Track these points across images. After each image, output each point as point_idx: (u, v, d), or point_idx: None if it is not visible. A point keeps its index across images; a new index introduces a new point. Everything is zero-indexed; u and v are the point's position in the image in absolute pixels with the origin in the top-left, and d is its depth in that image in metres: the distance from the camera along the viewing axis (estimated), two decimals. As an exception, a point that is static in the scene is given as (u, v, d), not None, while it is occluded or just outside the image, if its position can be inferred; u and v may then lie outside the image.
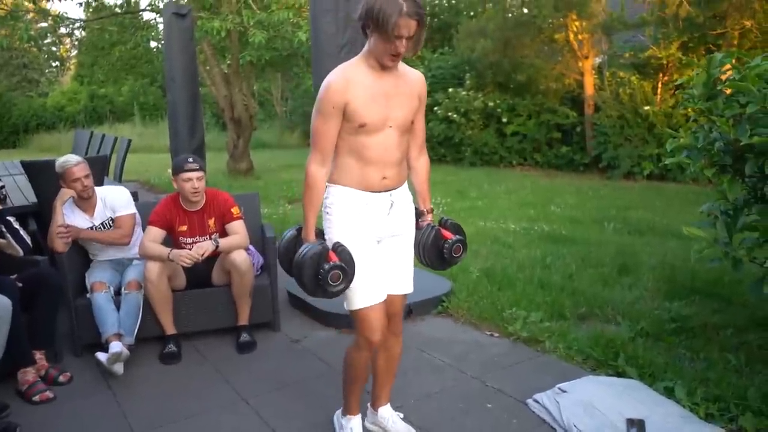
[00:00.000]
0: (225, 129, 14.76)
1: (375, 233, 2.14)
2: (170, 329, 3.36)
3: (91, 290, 3.29)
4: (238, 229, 3.39)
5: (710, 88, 2.12)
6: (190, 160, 3.35)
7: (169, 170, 3.40)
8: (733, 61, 2.13)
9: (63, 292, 3.22)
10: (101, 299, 3.22)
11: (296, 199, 8.24)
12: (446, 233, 2.26)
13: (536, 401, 2.66)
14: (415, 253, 2.29)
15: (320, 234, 2.16)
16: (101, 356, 3.01)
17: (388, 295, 2.19)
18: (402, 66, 2.09)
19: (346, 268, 1.98)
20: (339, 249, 2.02)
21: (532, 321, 3.51)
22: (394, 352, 2.35)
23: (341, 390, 2.39)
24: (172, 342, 3.33)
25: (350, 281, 2.02)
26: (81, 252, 3.56)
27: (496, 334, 3.46)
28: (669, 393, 2.66)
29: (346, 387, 2.36)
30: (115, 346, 3.02)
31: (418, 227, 2.30)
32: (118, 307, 3.26)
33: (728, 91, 2.07)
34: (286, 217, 6.89)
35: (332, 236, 2.10)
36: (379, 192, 2.10)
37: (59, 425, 2.70)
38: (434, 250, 2.26)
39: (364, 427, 2.45)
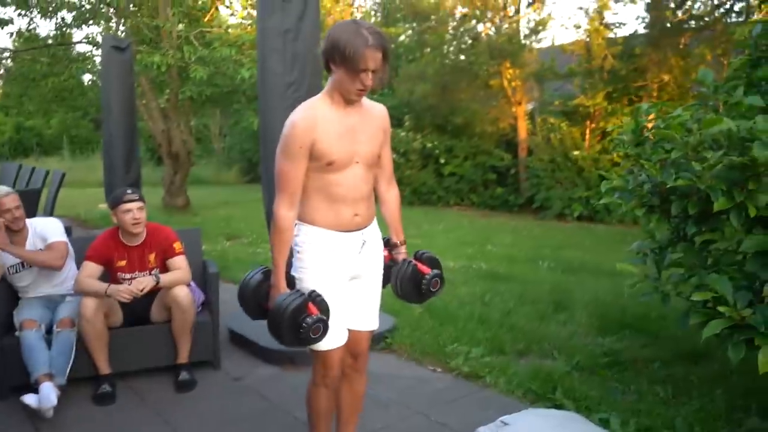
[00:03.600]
0: (160, 164, 14.47)
1: (346, 272, 2.12)
2: (105, 369, 3.22)
3: (20, 328, 3.14)
4: (180, 264, 3.33)
5: (638, 134, 2.31)
6: (129, 191, 3.30)
7: (102, 205, 3.33)
8: (659, 111, 2.33)
9: (-11, 331, 3.06)
10: (31, 337, 3.07)
11: (235, 235, 8.13)
12: (423, 268, 2.23)
13: (480, 435, 2.70)
14: (391, 285, 2.25)
15: (289, 280, 2.10)
16: (29, 399, 2.85)
17: (354, 332, 2.17)
18: (364, 100, 2.07)
19: (327, 320, 1.96)
20: (318, 299, 1.97)
21: (473, 356, 3.59)
22: (359, 388, 2.34)
23: None
24: (107, 382, 3.20)
25: (327, 332, 1.98)
26: (8, 289, 3.39)
27: (439, 369, 3.51)
28: (605, 424, 2.77)
29: (312, 420, 2.30)
30: (46, 388, 2.88)
31: (394, 260, 2.28)
32: (48, 346, 3.12)
33: (653, 138, 2.26)
34: (225, 253, 6.78)
35: (303, 275, 2.06)
36: (351, 231, 2.08)
37: (-19, 473, 2.54)
38: (411, 285, 2.23)
39: None
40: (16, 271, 3.36)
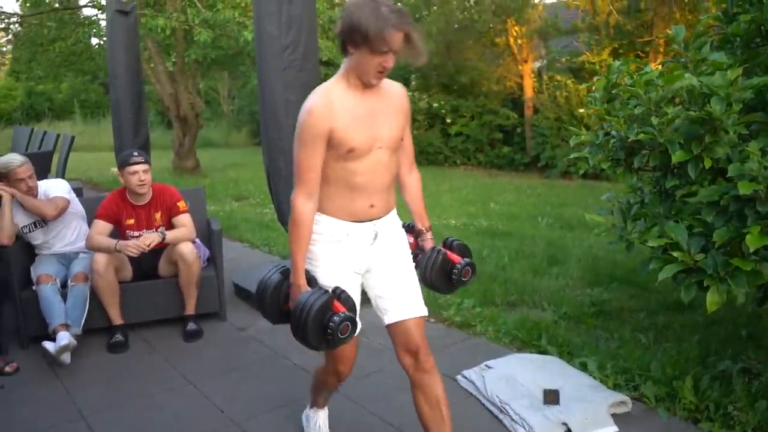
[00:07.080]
0: (170, 127, 14.60)
1: (357, 265, 1.99)
2: (117, 320, 3.44)
3: (37, 282, 3.34)
4: (184, 222, 3.51)
5: (609, 91, 2.42)
6: (135, 153, 3.45)
7: (113, 168, 3.48)
8: (629, 68, 2.43)
9: (8, 285, 3.26)
10: (48, 291, 3.28)
11: (243, 197, 8.32)
12: (453, 256, 2.10)
13: (464, 377, 2.90)
14: (419, 274, 2.09)
15: (310, 278, 1.94)
16: (48, 345, 3.07)
17: (397, 324, 2.00)
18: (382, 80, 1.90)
19: (354, 318, 1.83)
20: (343, 296, 1.86)
21: (465, 307, 3.77)
22: (434, 391, 2.00)
23: (309, 388, 2.40)
24: (120, 332, 3.42)
25: (356, 329, 1.85)
26: (26, 246, 3.60)
27: (432, 320, 3.69)
28: (583, 367, 2.95)
29: (314, 390, 2.36)
30: (63, 337, 3.09)
31: (420, 248, 2.15)
32: (64, 300, 3.33)
33: (623, 95, 2.36)
34: (233, 213, 6.97)
35: (312, 267, 1.95)
36: (363, 222, 1.94)
37: (9, 411, 2.77)
38: (441, 274, 2.10)
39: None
40: (30, 231, 3.55)
